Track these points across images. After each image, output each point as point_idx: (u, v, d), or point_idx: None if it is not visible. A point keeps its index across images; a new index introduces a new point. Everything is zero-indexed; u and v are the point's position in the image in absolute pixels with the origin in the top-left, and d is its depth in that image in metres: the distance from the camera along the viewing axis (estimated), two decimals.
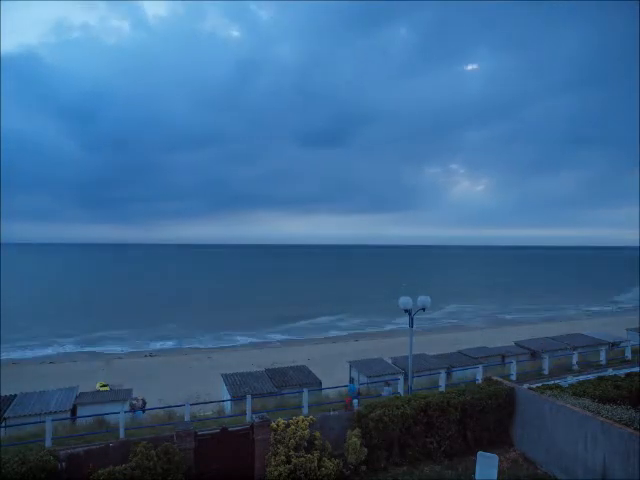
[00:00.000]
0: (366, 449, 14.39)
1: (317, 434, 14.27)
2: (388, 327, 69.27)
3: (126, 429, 13.87)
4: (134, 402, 22.51)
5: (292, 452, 13.54)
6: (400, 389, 18.03)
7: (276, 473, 13.16)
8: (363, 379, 23.90)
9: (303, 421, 14.26)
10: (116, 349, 54.98)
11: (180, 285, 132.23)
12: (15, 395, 20.20)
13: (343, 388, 18.94)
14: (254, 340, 61.09)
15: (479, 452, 13.27)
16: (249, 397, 15.39)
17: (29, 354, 52.22)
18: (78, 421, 17.21)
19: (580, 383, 17.61)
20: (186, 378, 37.79)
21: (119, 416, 13.98)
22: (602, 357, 23.10)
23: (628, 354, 24.19)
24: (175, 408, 16.75)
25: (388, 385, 18.35)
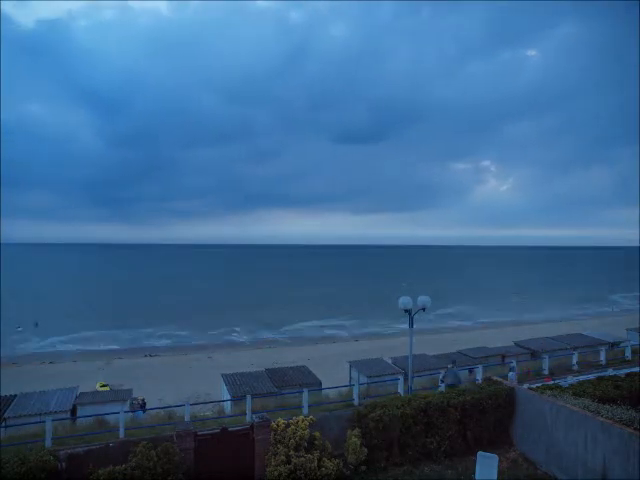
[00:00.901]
0: (366, 449, 14.38)
1: (317, 434, 14.27)
2: (388, 327, 69.31)
3: (126, 429, 13.85)
4: (134, 402, 22.55)
5: (292, 452, 13.54)
6: (400, 389, 18.03)
7: (276, 473, 13.16)
8: (363, 379, 23.91)
9: (303, 421, 14.26)
10: (116, 349, 55.02)
11: (182, 285, 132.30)
12: (15, 395, 20.23)
13: (343, 388, 18.94)
14: (254, 340, 61.12)
15: (479, 452, 13.27)
16: (249, 397, 15.38)
17: (29, 354, 52.23)
18: (78, 421, 17.23)
19: (580, 383, 17.60)
20: (186, 378, 37.81)
21: (119, 416, 13.97)
22: (602, 357, 23.10)
23: (628, 354, 24.18)
24: (175, 408, 16.75)
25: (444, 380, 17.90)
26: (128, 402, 21.44)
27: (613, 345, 29.47)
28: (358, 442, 14.28)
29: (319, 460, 13.59)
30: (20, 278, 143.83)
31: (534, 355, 28.32)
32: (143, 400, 25.15)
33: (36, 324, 64.46)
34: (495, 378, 17.83)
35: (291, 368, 24.66)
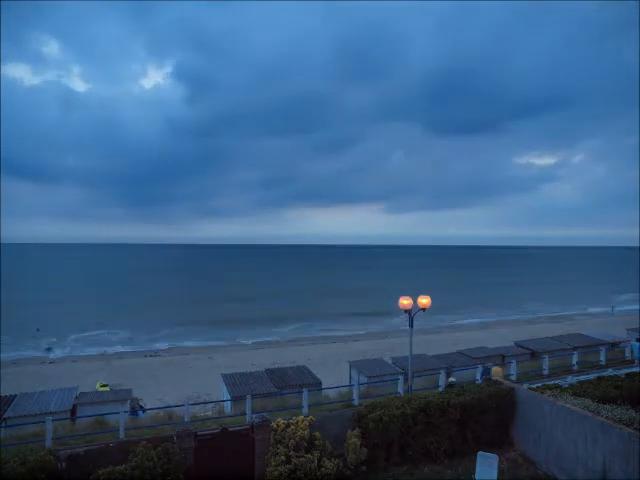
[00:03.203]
0: (366, 449, 14.39)
1: (317, 434, 14.27)
2: (388, 327, 69.32)
3: (126, 429, 13.87)
4: (134, 402, 22.50)
5: (292, 452, 13.55)
6: (400, 389, 18.05)
7: (276, 473, 13.17)
8: (363, 379, 23.90)
9: (303, 421, 14.27)
10: (116, 349, 55.02)
11: (185, 285, 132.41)
12: (15, 395, 20.20)
13: (343, 388, 18.96)
14: (254, 340, 61.12)
15: (479, 452, 13.29)
16: (249, 397, 15.39)
17: (29, 354, 52.22)
18: (78, 421, 17.21)
19: (580, 383, 17.62)
20: (186, 378, 37.79)
21: (119, 416, 13.98)
22: (602, 357, 23.11)
23: (628, 354, 24.21)
24: (175, 408, 16.77)
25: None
26: (128, 402, 21.40)
27: (613, 345, 29.46)
28: (358, 442, 14.29)
29: (319, 460, 13.60)
30: (26, 278, 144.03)
31: (534, 355, 28.27)
32: (137, 402, 24.87)
33: (37, 329, 63.93)
34: (495, 378, 17.85)
35: (291, 368, 24.62)
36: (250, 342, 59.86)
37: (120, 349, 54.92)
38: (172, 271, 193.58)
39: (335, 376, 28.75)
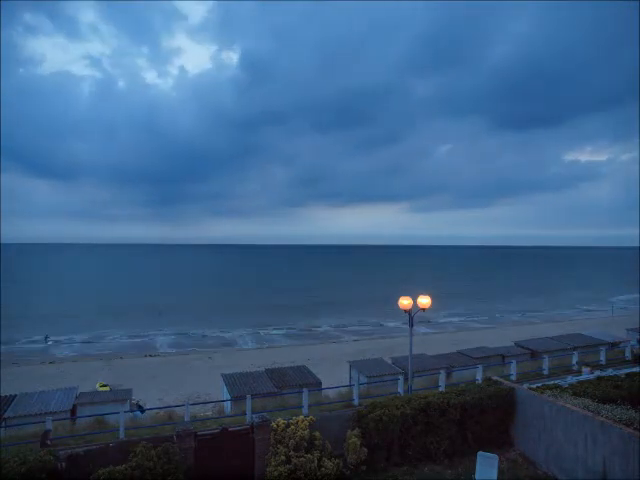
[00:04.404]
0: (366, 449, 14.39)
1: (317, 434, 14.27)
2: (388, 327, 69.33)
3: (126, 429, 13.86)
4: (134, 402, 22.52)
5: (292, 452, 13.54)
6: (400, 389, 18.05)
7: (276, 473, 13.17)
8: (363, 379, 23.90)
9: (303, 421, 14.26)
10: (116, 349, 55.01)
11: (185, 286, 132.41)
12: (15, 395, 20.22)
13: (343, 388, 18.96)
14: (254, 340, 61.14)
15: (479, 452, 13.29)
16: (249, 397, 15.39)
17: (29, 354, 52.23)
18: (78, 421, 17.22)
19: (580, 383, 17.61)
20: (186, 378, 37.82)
21: (119, 416, 13.98)
22: (602, 357, 23.11)
23: (628, 354, 24.21)
24: (175, 408, 16.77)
25: None
26: (127, 401, 21.40)
27: (613, 345, 29.47)
28: (358, 442, 14.29)
29: (319, 460, 13.60)
30: (25, 279, 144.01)
31: (534, 355, 28.29)
32: (137, 403, 24.89)
33: (46, 337, 61.01)
34: (495, 378, 17.84)
35: (291, 368, 24.62)
36: (250, 342, 59.88)
37: (121, 349, 54.92)
38: (174, 272, 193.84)
39: (335, 376, 28.79)
